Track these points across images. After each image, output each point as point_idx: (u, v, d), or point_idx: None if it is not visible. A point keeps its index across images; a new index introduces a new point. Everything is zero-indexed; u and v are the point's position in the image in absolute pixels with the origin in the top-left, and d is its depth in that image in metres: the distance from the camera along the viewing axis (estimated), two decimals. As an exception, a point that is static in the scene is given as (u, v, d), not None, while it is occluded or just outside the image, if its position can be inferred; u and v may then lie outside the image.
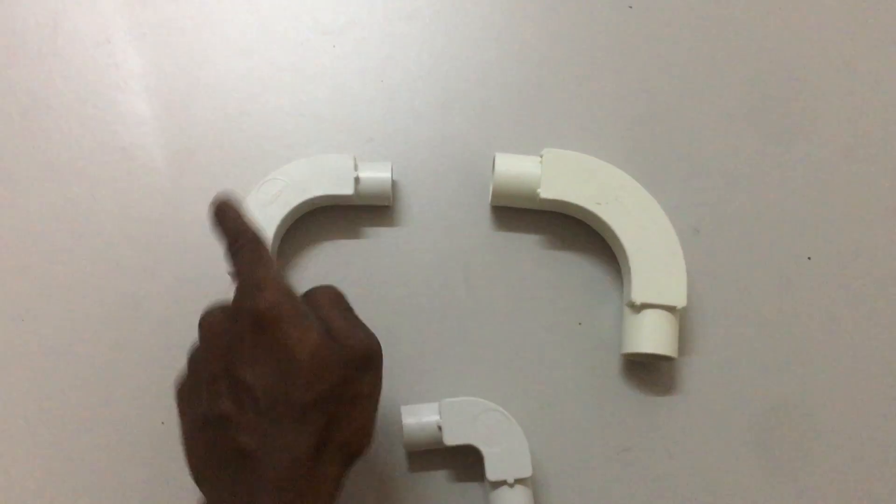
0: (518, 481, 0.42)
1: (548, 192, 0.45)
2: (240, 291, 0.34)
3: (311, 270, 0.48)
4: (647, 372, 0.47)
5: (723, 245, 0.49)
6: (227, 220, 0.37)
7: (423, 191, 0.49)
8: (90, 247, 0.48)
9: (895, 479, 0.46)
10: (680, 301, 0.44)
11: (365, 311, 0.47)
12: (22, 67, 0.50)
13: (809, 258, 0.48)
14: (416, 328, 0.47)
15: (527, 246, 0.48)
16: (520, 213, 0.49)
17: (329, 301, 0.36)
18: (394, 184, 0.48)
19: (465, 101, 0.50)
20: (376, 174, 0.46)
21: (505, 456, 0.42)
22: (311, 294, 0.37)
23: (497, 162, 0.46)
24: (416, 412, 0.43)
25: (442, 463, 0.45)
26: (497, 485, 0.42)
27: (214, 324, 0.34)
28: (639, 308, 0.44)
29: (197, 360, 0.35)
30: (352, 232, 0.48)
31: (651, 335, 0.44)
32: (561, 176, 0.46)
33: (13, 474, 0.45)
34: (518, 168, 0.46)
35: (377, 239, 0.48)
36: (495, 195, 0.47)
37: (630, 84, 0.51)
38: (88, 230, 0.48)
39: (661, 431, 0.46)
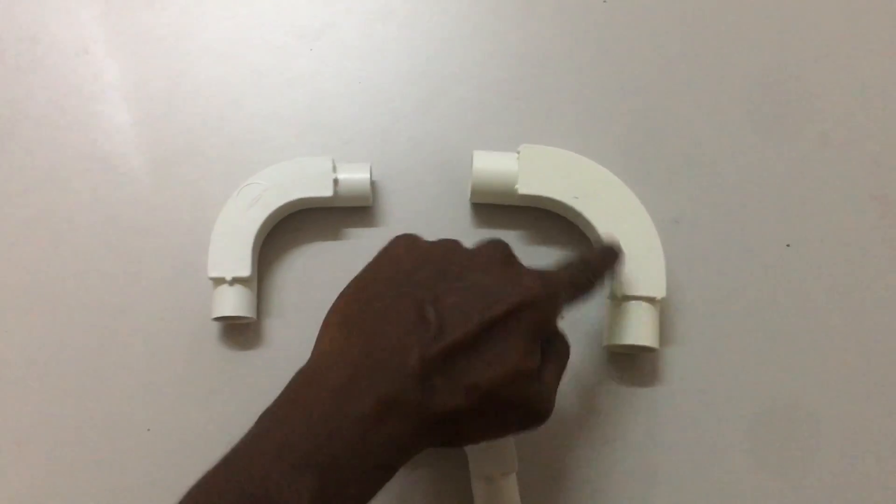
0: (503, 475, 0.42)
1: (526, 187, 0.46)
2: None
3: (294, 273, 0.48)
4: (630, 363, 0.47)
5: (702, 235, 0.49)
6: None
7: (402, 190, 0.49)
8: (72, 255, 0.48)
9: (881, 461, 0.46)
10: (660, 292, 0.44)
11: (347, 312, 0.47)
12: (1, 79, 0.50)
13: (788, 245, 0.49)
14: (400, 327, 0.47)
15: (507, 241, 0.48)
16: (499, 209, 0.49)
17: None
18: (373, 184, 0.48)
19: (443, 100, 0.51)
20: (355, 175, 0.47)
21: (489, 451, 0.42)
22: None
23: (475, 159, 0.47)
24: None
25: (425, 461, 0.45)
26: (482, 479, 0.42)
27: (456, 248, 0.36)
28: (620, 300, 0.45)
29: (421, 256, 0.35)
30: (333, 233, 0.48)
31: (633, 327, 0.44)
32: (538, 171, 0.46)
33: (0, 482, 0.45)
34: (496, 165, 0.47)
35: (358, 240, 0.49)
36: (474, 192, 0.47)
37: (606, 79, 0.51)
38: (70, 239, 0.48)
39: (646, 421, 0.46)
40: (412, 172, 0.50)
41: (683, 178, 0.50)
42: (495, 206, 0.49)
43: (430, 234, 0.48)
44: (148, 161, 0.49)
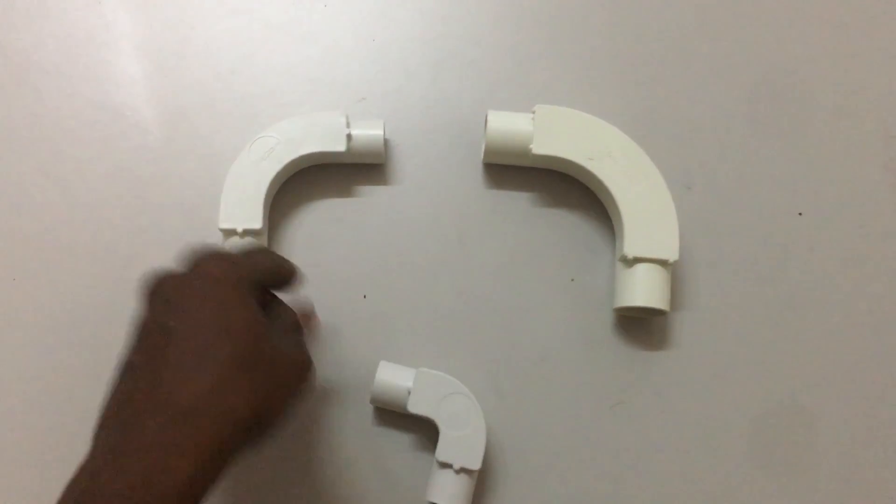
0: (463, 470, 0.42)
1: (540, 147, 0.45)
2: (203, 259, 0.33)
3: (305, 228, 0.48)
4: (640, 326, 0.47)
5: (714, 201, 0.49)
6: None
7: (415, 149, 0.49)
8: (81, 205, 0.47)
9: (886, 443, 0.46)
10: (672, 255, 0.44)
11: (358, 268, 0.48)
12: (12, 27, 0.50)
13: (800, 214, 0.49)
14: (409, 284, 0.47)
15: (519, 203, 0.48)
16: (512, 170, 0.49)
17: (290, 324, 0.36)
18: (386, 142, 0.48)
19: (458, 59, 0.50)
20: (368, 132, 0.46)
21: (460, 442, 0.42)
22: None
23: (489, 119, 0.46)
24: (392, 371, 0.44)
25: (405, 426, 0.45)
26: (443, 466, 0.42)
27: (164, 283, 0.32)
28: (631, 262, 0.44)
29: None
30: (345, 190, 0.48)
31: (643, 289, 0.44)
32: (553, 132, 0.46)
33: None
34: (510, 124, 0.46)
35: (370, 197, 0.48)
36: (488, 152, 0.47)
37: (624, 42, 0.51)
38: (79, 188, 0.48)
39: (654, 385, 0.46)
40: (425, 132, 0.49)
41: (696, 144, 0.50)
42: (507, 167, 0.49)
43: (442, 194, 0.48)
44: (159, 113, 0.49)
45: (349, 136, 0.46)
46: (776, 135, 0.50)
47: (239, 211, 0.44)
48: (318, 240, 0.48)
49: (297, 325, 0.37)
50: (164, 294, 0.32)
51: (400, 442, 0.45)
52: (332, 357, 0.46)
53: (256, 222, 0.44)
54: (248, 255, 0.35)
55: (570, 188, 0.48)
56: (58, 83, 0.49)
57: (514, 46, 0.51)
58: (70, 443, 0.44)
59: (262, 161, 0.45)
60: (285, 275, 0.37)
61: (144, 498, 0.27)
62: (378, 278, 0.47)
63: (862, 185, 0.49)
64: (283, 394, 0.33)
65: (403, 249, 0.47)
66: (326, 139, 0.46)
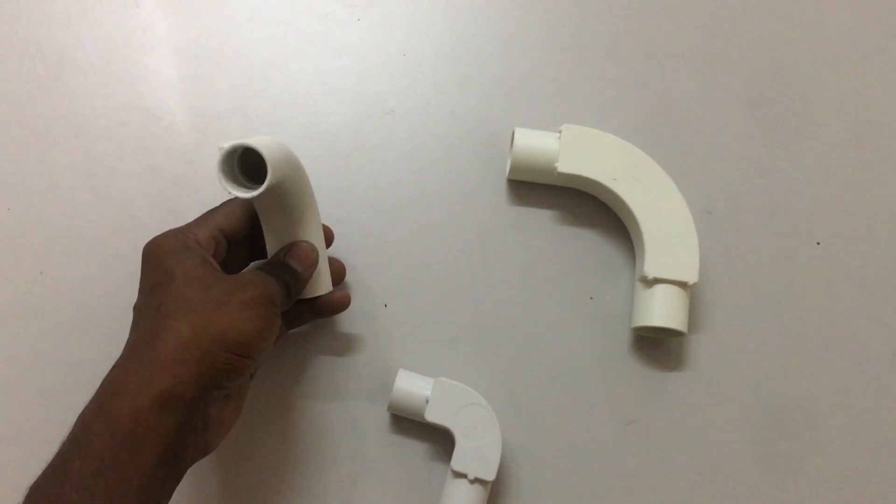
0: (478, 480, 0.42)
1: (565, 166, 0.46)
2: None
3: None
4: (657, 347, 0.47)
5: (734, 227, 0.49)
6: None
7: (441, 163, 0.50)
8: (112, 203, 0.48)
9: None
10: (692, 277, 0.45)
11: (381, 281, 0.48)
12: (51, 28, 0.51)
13: (818, 243, 0.49)
14: (430, 295, 0.48)
15: (542, 220, 0.49)
16: (536, 188, 0.49)
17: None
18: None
19: (486, 76, 0.51)
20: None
21: (476, 452, 0.42)
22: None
23: (516, 136, 0.47)
24: (410, 380, 0.44)
25: (422, 435, 0.46)
26: (457, 475, 0.42)
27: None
28: (651, 282, 0.45)
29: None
30: (371, 200, 0.49)
31: (662, 309, 0.44)
32: (579, 151, 0.47)
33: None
34: (537, 142, 0.47)
35: (395, 207, 0.49)
36: (513, 169, 0.48)
37: (651, 66, 0.52)
38: (110, 187, 0.49)
39: (669, 405, 0.47)
40: (452, 146, 0.50)
41: (719, 170, 0.50)
42: (531, 184, 0.49)
43: (466, 209, 0.49)
44: (192, 116, 0.50)
45: None
46: (797, 164, 0.51)
47: None
48: (342, 248, 0.48)
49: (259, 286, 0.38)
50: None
51: (416, 450, 0.46)
52: (352, 364, 0.46)
53: None
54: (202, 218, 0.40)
55: (592, 207, 0.49)
56: (93, 83, 0.50)
57: (542, 66, 0.52)
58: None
59: None
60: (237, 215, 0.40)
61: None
62: (399, 288, 0.48)
63: (881, 218, 0.50)
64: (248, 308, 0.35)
65: (426, 260, 0.48)
66: None
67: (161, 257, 0.37)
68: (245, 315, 0.35)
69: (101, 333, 0.46)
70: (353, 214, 0.49)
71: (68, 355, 0.46)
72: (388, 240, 0.48)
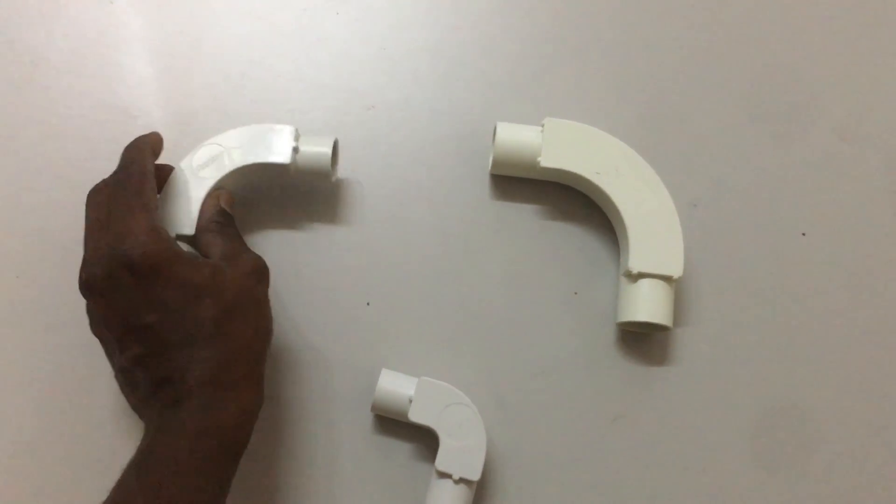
0: (463, 480, 0.42)
1: (548, 160, 0.46)
2: (113, 237, 0.36)
3: (311, 234, 0.48)
4: (642, 341, 0.47)
5: (719, 220, 0.49)
6: (129, 148, 0.40)
7: (423, 158, 0.49)
8: (88, 204, 0.47)
9: (887, 455, 0.46)
10: (676, 271, 0.44)
11: (364, 277, 0.48)
12: (24, 25, 0.50)
13: (804, 234, 0.49)
14: (413, 293, 0.47)
15: (525, 215, 0.49)
16: (519, 182, 0.49)
17: (213, 230, 0.41)
18: (334, 160, 0.46)
19: (468, 70, 0.51)
20: (316, 148, 0.44)
21: (460, 452, 0.42)
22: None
23: (498, 130, 0.47)
24: (393, 379, 0.44)
25: (406, 435, 0.45)
26: (442, 476, 0.42)
27: (94, 285, 0.36)
28: (635, 277, 0.45)
29: (98, 323, 0.37)
30: (352, 196, 0.48)
31: (647, 304, 0.44)
32: (561, 145, 0.46)
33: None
34: (519, 137, 0.47)
35: (377, 204, 0.48)
36: (496, 164, 0.47)
37: (634, 58, 0.51)
38: (87, 188, 0.48)
39: (655, 400, 0.46)
40: (433, 142, 0.50)
41: (703, 162, 0.50)
42: (514, 178, 0.49)
43: (448, 203, 0.49)
44: (168, 114, 0.49)
45: (295, 150, 0.44)
46: (782, 156, 0.50)
47: (175, 215, 0.43)
48: (324, 246, 0.48)
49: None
50: None
51: (400, 451, 0.45)
52: (334, 363, 0.46)
53: (189, 228, 0.42)
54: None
55: (575, 202, 0.49)
56: (67, 82, 0.49)
57: (524, 59, 0.51)
58: (73, 441, 0.44)
59: (203, 168, 0.44)
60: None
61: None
62: (382, 286, 0.47)
63: (865, 207, 0.50)
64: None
65: (408, 257, 0.48)
66: (271, 150, 0.44)
67: (167, 268, 0.36)
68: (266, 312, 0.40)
69: (79, 338, 0.46)
70: (334, 211, 0.48)
71: (45, 361, 0.45)
72: (369, 237, 0.48)
